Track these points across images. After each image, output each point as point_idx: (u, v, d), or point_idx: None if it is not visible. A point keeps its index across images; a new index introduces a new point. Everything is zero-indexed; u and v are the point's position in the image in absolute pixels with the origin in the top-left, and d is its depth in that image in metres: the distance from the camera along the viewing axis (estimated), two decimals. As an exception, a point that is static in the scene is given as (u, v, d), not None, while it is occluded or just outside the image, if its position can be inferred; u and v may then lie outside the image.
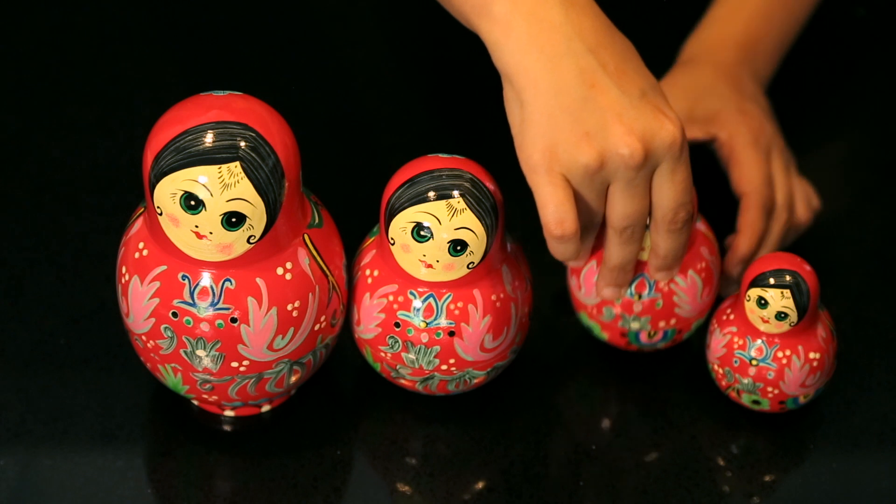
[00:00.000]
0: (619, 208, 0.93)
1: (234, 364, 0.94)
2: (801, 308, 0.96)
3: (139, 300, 0.93)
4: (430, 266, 0.94)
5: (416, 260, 0.94)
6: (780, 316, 0.96)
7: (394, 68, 1.28)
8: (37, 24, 1.29)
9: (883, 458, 1.00)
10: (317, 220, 0.95)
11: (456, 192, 0.93)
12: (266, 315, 0.92)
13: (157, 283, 0.92)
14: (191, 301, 0.92)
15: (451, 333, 0.96)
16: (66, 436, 0.99)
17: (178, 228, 0.90)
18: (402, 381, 0.99)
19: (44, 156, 1.18)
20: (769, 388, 0.98)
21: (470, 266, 0.94)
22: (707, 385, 1.02)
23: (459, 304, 0.95)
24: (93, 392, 1.01)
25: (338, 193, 1.02)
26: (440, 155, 0.95)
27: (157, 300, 0.92)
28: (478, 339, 0.96)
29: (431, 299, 0.95)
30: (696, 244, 1.00)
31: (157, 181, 0.89)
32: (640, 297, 1.00)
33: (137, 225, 0.94)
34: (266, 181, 0.89)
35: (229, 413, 1.00)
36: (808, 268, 0.97)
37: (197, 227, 0.89)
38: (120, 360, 1.03)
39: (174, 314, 0.92)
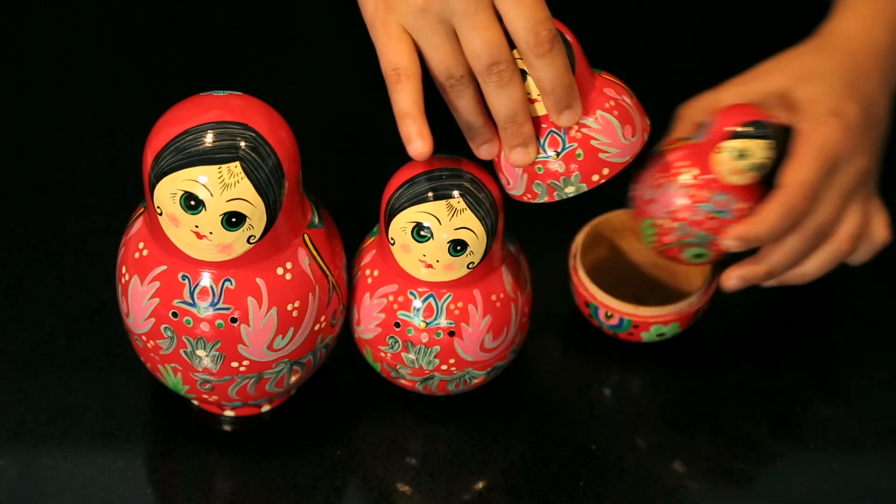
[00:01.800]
0: (471, 45, 0.89)
1: (234, 364, 0.94)
2: (781, 159, 0.96)
3: (139, 300, 0.93)
4: (430, 266, 0.94)
5: (416, 260, 0.94)
6: (760, 167, 0.96)
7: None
8: (37, 24, 1.29)
9: (883, 458, 1.00)
10: (317, 220, 0.95)
11: (456, 192, 0.93)
12: (266, 315, 0.92)
13: (157, 283, 0.92)
14: (191, 301, 0.92)
15: (451, 333, 0.96)
16: (66, 436, 0.99)
17: (178, 228, 0.90)
18: (402, 381, 0.99)
19: (44, 156, 1.18)
20: (719, 239, 0.98)
21: (470, 266, 0.94)
22: (707, 384, 1.02)
23: (459, 304, 0.95)
24: (93, 392, 1.01)
25: (338, 193, 1.02)
26: (440, 155, 0.95)
27: (157, 300, 0.92)
28: (478, 339, 0.96)
29: (431, 299, 0.95)
30: (597, 87, 0.95)
31: (157, 181, 0.89)
32: (557, 154, 0.94)
33: (137, 225, 0.94)
34: (266, 181, 0.89)
35: (229, 413, 1.00)
36: (775, 120, 0.96)
37: (197, 227, 0.89)
38: (120, 360, 1.03)
39: (174, 314, 0.92)
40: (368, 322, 0.97)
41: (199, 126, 0.88)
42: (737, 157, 0.96)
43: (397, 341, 0.97)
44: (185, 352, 0.94)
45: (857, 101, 0.99)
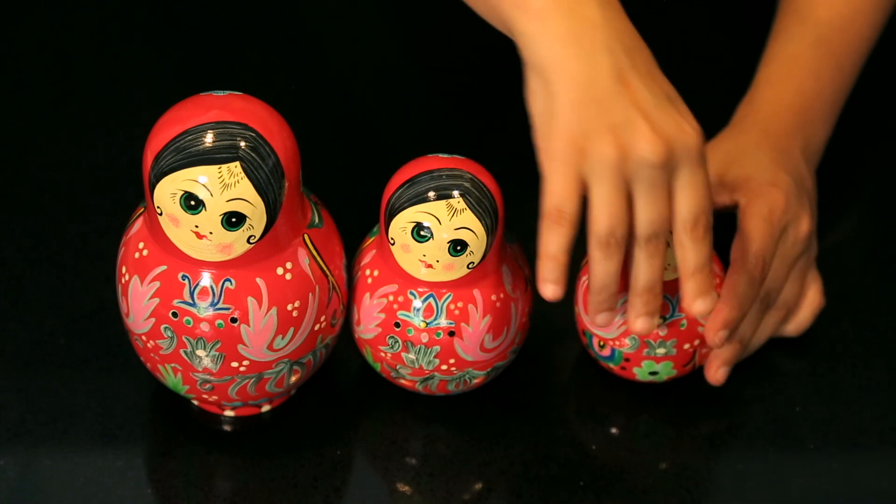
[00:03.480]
0: (646, 213, 0.91)
1: (234, 364, 0.94)
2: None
3: (139, 300, 0.93)
4: (430, 266, 0.94)
5: (415, 260, 0.94)
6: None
7: (394, 68, 1.28)
8: (37, 24, 1.29)
9: (883, 458, 1.00)
10: (317, 220, 0.95)
11: (456, 192, 0.93)
12: (266, 315, 0.92)
13: (157, 283, 0.92)
14: (191, 301, 0.92)
15: (451, 333, 0.96)
16: (66, 436, 0.99)
17: (178, 228, 0.90)
18: (403, 381, 0.99)
19: (44, 156, 1.18)
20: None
21: (470, 266, 0.94)
22: (707, 383, 1.02)
23: (459, 304, 0.95)
24: (93, 392, 1.01)
25: (338, 193, 1.02)
26: (440, 155, 0.95)
27: (157, 300, 0.92)
28: (478, 339, 0.96)
29: (431, 299, 0.95)
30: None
31: (157, 181, 0.89)
32: (664, 319, 0.98)
33: (137, 225, 0.94)
34: (266, 181, 0.89)
35: (229, 413, 1.00)
36: None
37: (197, 227, 0.89)
38: (120, 360, 1.03)
39: (174, 314, 0.92)
40: (368, 322, 0.97)
41: (199, 126, 0.88)
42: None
43: (397, 341, 0.97)
44: (185, 352, 0.94)
45: (786, 172, 1.03)
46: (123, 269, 0.94)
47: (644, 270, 0.93)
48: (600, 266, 0.92)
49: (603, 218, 0.90)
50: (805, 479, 0.99)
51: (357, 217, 1.01)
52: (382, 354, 0.98)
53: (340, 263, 0.97)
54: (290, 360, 0.95)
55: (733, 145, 1.06)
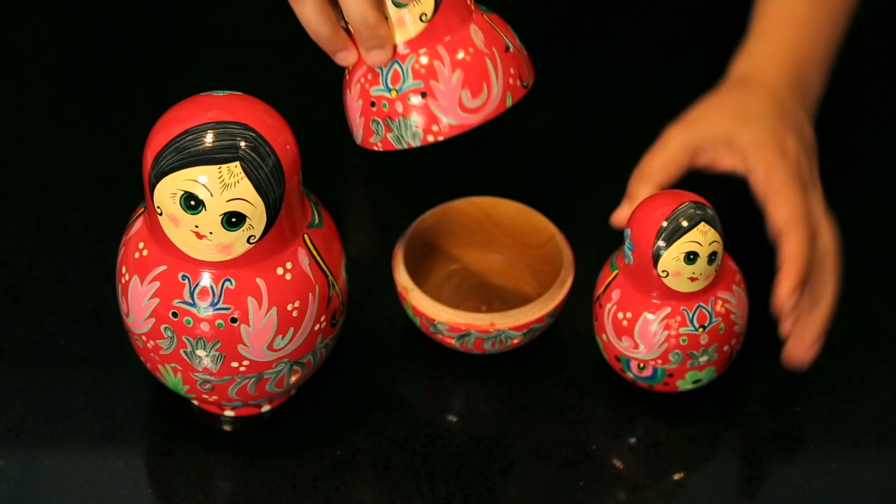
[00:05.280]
0: None
1: (234, 364, 0.94)
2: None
3: (139, 300, 0.93)
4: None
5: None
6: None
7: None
8: (37, 24, 1.29)
9: (883, 458, 1.00)
10: (317, 220, 0.95)
11: None
12: (266, 315, 0.92)
13: (157, 283, 0.92)
14: (191, 301, 0.92)
15: (423, 94, 0.90)
16: (66, 436, 0.99)
17: (178, 228, 0.90)
18: (440, 337, 0.99)
19: (44, 156, 1.18)
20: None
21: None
22: (710, 382, 1.02)
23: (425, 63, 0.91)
24: (93, 392, 1.02)
25: (338, 193, 1.02)
26: None
27: (157, 300, 0.92)
28: (454, 96, 0.91)
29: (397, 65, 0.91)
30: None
31: (157, 181, 0.89)
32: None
33: (137, 225, 0.94)
34: (266, 181, 0.89)
35: (229, 413, 1.00)
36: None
37: (197, 227, 0.89)
38: (120, 360, 1.03)
39: (174, 314, 0.92)
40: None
41: (199, 126, 0.88)
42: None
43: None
44: (185, 352, 0.94)
45: (792, 130, 1.05)
46: (123, 269, 0.94)
47: (349, 6, 0.90)
48: (303, 11, 0.91)
49: None
50: (805, 479, 0.99)
51: (357, 217, 1.01)
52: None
53: (340, 263, 0.97)
54: (290, 360, 0.95)
55: (738, 105, 1.06)
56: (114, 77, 1.25)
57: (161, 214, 0.90)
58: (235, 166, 0.88)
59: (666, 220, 0.95)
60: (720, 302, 0.98)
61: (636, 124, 1.16)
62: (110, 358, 1.03)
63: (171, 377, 0.96)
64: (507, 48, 0.92)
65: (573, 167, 1.19)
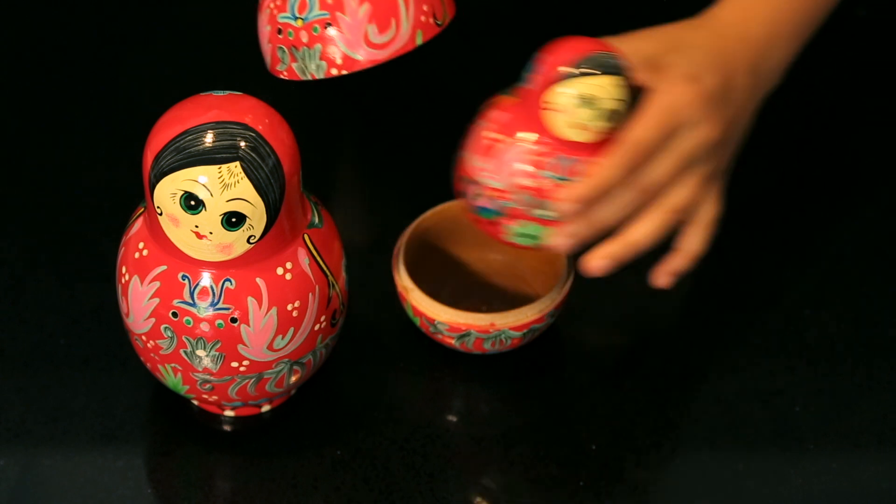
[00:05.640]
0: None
1: (234, 364, 0.94)
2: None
3: (139, 300, 0.93)
4: None
5: None
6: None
7: (393, 67, 1.28)
8: (37, 24, 1.29)
9: (883, 458, 1.00)
10: (317, 220, 0.95)
11: None
12: (266, 315, 0.92)
13: (157, 283, 0.92)
14: (191, 301, 0.92)
15: (328, 24, 0.88)
16: (66, 436, 0.99)
17: (178, 228, 0.90)
18: (440, 337, 0.99)
19: (44, 156, 1.18)
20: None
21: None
22: (710, 382, 1.02)
23: None
24: (93, 392, 1.02)
25: (338, 193, 1.03)
26: None
27: (157, 300, 0.92)
28: (360, 30, 0.88)
29: None
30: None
31: (157, 181, 0.89)
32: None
33: (137, 225, 0.94)
34: (266, 181, 0.89)
35: (229, 413, 1.00)
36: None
37: (197, 227, 0.89)
38: (120, 360, 1.03)
39: (174, 314, 0.92)
40: None
41: (199, 126, 0.88)
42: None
43: None
44: (185, 352, 0.94)
45: (718, 74, 0.98)
46: (123, 269, 0.94)
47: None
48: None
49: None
50: (805, 479, 0.99)
51: (357, 217, 1.01)
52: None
53: (340, 263, 0.97)
54: (290, 360, 0.95)
55: (682, 35, 1.01)
56: (114, 77, 1.25)
57: (161, 214, 0.90)
58: (235, 166, 0.88)
59: (584, 57, 0.89)
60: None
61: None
62: (110, 358, 1.03)
63: (171, 377, 0.96)
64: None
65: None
